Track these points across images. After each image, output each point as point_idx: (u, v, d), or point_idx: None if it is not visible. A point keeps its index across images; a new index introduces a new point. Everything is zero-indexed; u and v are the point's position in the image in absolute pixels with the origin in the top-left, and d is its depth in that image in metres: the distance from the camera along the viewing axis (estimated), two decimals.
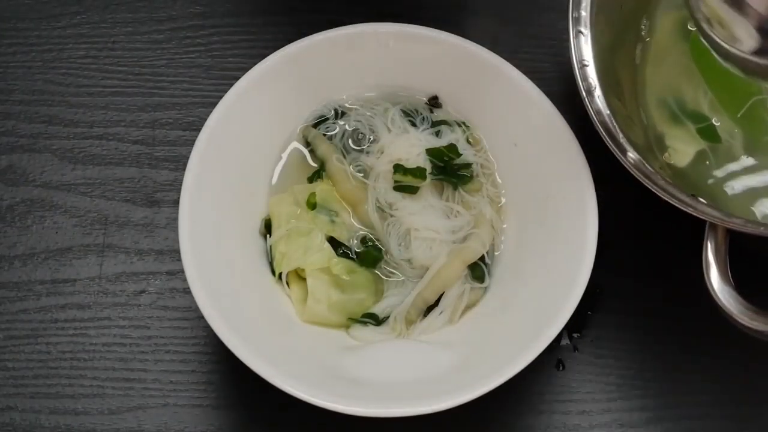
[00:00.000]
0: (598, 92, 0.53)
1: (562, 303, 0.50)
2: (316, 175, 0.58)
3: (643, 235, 0.60)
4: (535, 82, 0.56)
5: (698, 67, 0.57)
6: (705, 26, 0.50)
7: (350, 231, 0.57)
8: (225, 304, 0.50)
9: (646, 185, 0.49)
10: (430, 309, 0.55)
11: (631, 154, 0.51)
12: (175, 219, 0.52)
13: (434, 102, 0.60)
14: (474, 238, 0.56)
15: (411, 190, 0.57)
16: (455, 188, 0.57)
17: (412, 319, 0.55)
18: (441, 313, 0.55)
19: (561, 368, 0.57)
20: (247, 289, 0.53)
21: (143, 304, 0.58)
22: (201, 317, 0.49)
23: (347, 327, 0.55)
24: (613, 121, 0.52)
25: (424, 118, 0.59)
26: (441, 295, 0.55)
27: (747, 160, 0.55)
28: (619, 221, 0.58)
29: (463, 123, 0.60)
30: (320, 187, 0.57)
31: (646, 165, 0.50)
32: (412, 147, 0.58)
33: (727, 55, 0.50)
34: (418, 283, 0.55)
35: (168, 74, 0.66)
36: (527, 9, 0.68)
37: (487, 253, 0.56)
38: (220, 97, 0.55)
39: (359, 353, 0.53)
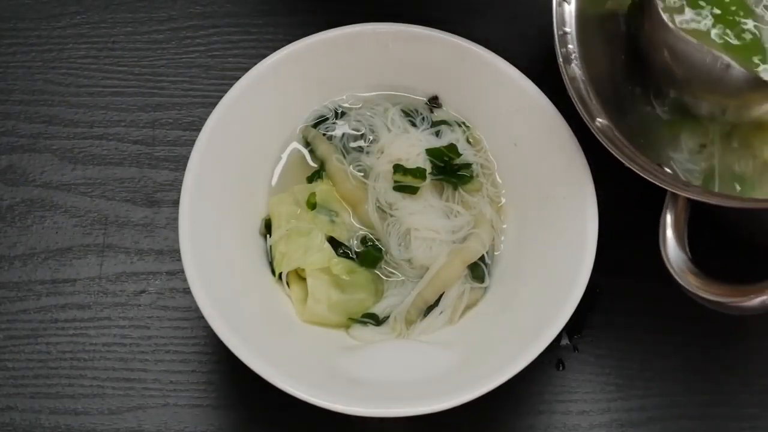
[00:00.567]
0: (575, 59, 0.53)
1: (562, 303, 0.50)
2: (316, 175, 0.58)
3: (643, 235, 0.59)
4: (535, 83, 0.56)
5: None
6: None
7: (350, 231, 0.57)
8: (225, 304, 0.50)
9: (611, 151, 0.50)
10: (430, 309, 0.55)
11: (601, 120, 0.51)
12: (175, 219, 0.52)
13: (434, 102, 0.60)
14: (474, 238, 0.56)
15: (411, 190, 0.57)
16: (455, 188, 0.57)
17: (412, 319, 0.55)
18: (441, 313, 0.55)
19: (561, 368, 0.57)
20: (247, 289, 0.53)
21: (143, 304, 0.58)
22: (201, 317, 0.49)
23: (347, 327, 0.55)
24: (588, 88, 0.52)
25: (424, 118, 0.59)
26: (441, 295, 0.55)
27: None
28: (619, 221, 0.58)
29: (463, 123, 0.60)
30: (320, 187, 0.57)
31: (614, 132, 0.50)
32: (412, 147, 0.58)
33: None
34: (418, 283, 0.55)
35: (168, 74, 0.66)
36: (527, 9, 0.68)
37: (487, 253, 0.56)
38: (220, 97, 0.55)
39: (359, 353, 0.53)
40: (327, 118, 0.59)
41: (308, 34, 0.58)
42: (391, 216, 0.57)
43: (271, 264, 0.56)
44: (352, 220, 0.57)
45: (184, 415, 0.55)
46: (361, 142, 0.59)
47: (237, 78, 0.56)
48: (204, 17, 0.68)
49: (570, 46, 0.53)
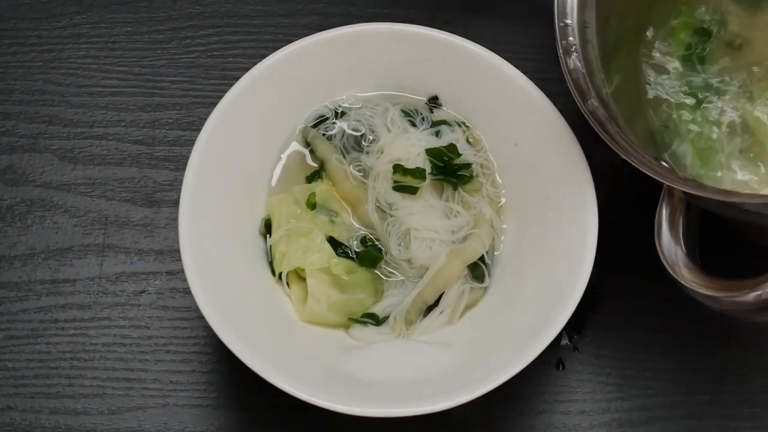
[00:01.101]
0: (577, 52, 0.53)
1: (562, 303, 0.50)
2: (316, 176, 0.58)
3: (644, 235, 0.59)
4: (535, 83, 0.56)
5: None
6: None
7: (350, 231, 0.57)
8: (225, 304, 0.50)
9: (611, 146, 0.50)
10: (430, 309, 0.55)
11: (601, 111, 0.51)
12: (175, 219, 0.52)
13: (434, 102, 0.60)
14: (474, 238, 0.56)
15: (411, 190, 0.56)
16: (455, 188, 0.57)
17: (412, 319, 0.55)
18: (441, 313, 0.55)
19: (561, 368, 0.57)
20: (247, 289, 0.53)
21: (143, 304, 0.58)
22: (201, 317, 0.49)
23: (347, 327, 0.55)
24: (587, 80, 0.52)
25: (423, 118, 0.59)
26: (441, 295, 0.55)
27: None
28: (619, 221, 0.58)
29: (463, 123, 0.60)
30: (320, 187, 0.57)
31: (613, 124, 0.50)
32: (411, 147, 0.58)
33: None
34: (417, 283, 0.55)
35: (168, 74, 0.66)
36: (527, 9, 0.68)
37: (486, 253, 0.56)
38: (220, 97, 0.55)
39: (359, 353, 0.53)
40: (327, 118, 0.59)
41: (308, 34, 0.58)
42: (391, 216, 0.57)
43: (271, 264, 0.56)
44: (351, 220, 0.57)
45: (184, 415, 0.55)
46: (360, 142, 0.59)
47: (237, 78, 0.56)
48: (204, 17, 0.68)
49: (570, 39, 0.53)
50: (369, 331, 0.54)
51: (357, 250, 0.56)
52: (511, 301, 0.54)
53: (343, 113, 0.60)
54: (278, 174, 0.58)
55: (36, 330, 0.58)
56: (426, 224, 0.56)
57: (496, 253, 0.57)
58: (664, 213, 0.48)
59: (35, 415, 0.55)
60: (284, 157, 0.59)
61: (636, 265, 0.59)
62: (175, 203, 0.52)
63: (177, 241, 0.51)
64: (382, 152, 0.58)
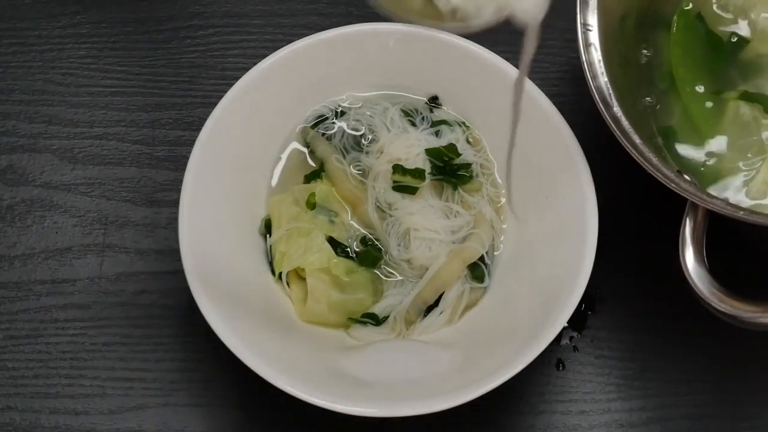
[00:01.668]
0: (598, 57, 0.53)
1: (562, 303, 0.50)
2: (316, 176, 0.58)
3: (644, 235, 0.59)
4: (535, 83, 0.56)
5: None
6: None
7: (350, 231, 0.57)
8: (225, 304, 0.50)
9: (633, 155, 0.49)
10: (429, 309, 0.55)
11: (624, 122, 0.51)
12: (175, 219, 0.52)
13: (434, 102, 0.60)
14: (474, 238, 0.56)
15: (410, 190, 0.56)
16: (455, 188, 0.57)
17: (411, 319, 0.55)
18: (441, 313, 0.55)
19: (561, 368, 0.57)
20: (247, 289, 0.53)
21: (143, 304, 0.58)
22: (201, 317, 0.49)
23: (347, 327, 0.55)
24: (609, 89, 0.52)
25: (423, 117, 0.59)
26: (441, 295, 0.55)
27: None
28: (619, 221, 0.58)
29: (463, 123, 0.60)
30: (320, 188, 0.57)
31: (636, 135, 0.50)
32: (411, 147, 0.58)
33: None
34: (417, 283, 0.55)
35: (168, 74, 0.66)
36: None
37: (486, 253, 0.56)
38: (220, 97, 0.55)
39: (359, 353, 0.53)
40: (326, 118, 0.59)
41: (308, 34, 0.58)
42: (391, 216, 0.57)
43: (271, 264, 0.56)
44: (351, 220, 0.57)
45: (185, 414, 0.55)
46: (360, 142, 0.59)
47: (237, 78, 0.56)
48: (204, 17, 0.68)
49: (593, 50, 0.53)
50: (369, 331, 0.54)
51: (357, 250, 0.56)
52: (511, 301, 0.54)
53: (342, 113, 0.60)
54: (278, 174, 0.58)
55: (36, 330, 0.58)
56: (426, 224, 0.56)
57: (496, 253, 0.57)
58: (688, 228, 0.48)
59: (35, 415, 0.55)
60: (284, 157, 0.59)
61: (636, 266, 0.59)
62: (175, 203, 0.52)
63: (177, 241, 0.51)
64: (381, 152, 0.58)
